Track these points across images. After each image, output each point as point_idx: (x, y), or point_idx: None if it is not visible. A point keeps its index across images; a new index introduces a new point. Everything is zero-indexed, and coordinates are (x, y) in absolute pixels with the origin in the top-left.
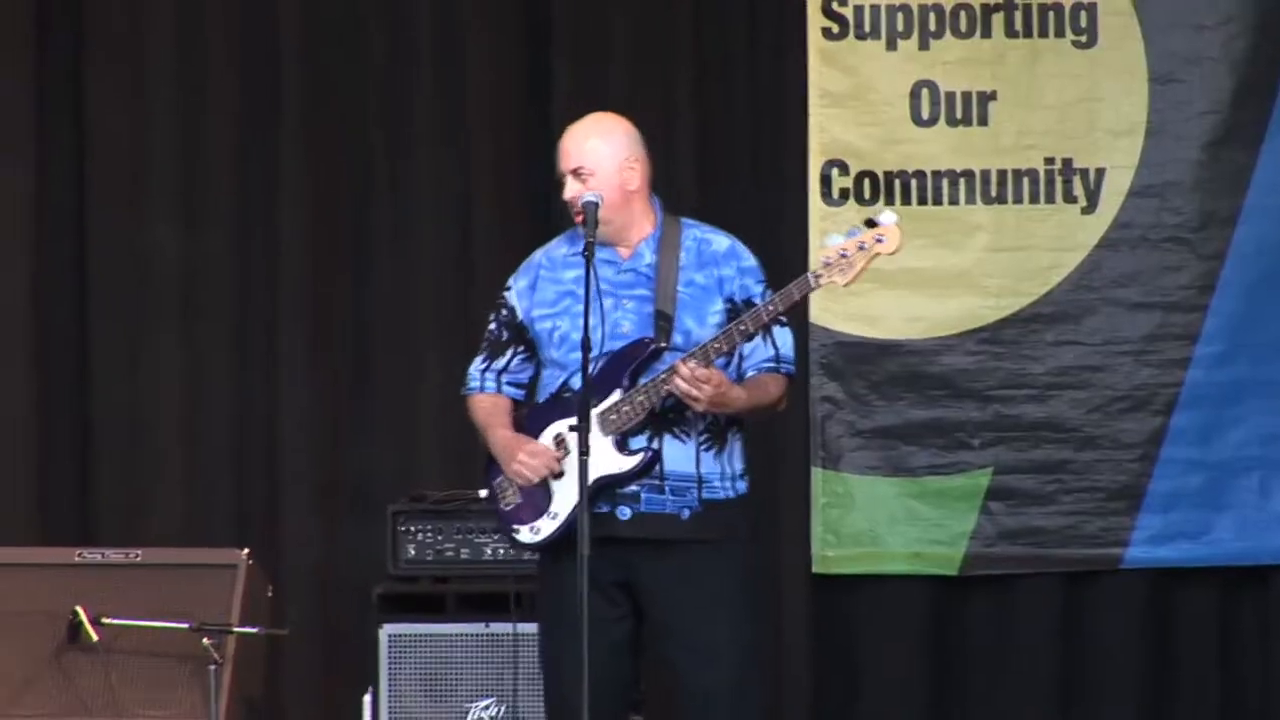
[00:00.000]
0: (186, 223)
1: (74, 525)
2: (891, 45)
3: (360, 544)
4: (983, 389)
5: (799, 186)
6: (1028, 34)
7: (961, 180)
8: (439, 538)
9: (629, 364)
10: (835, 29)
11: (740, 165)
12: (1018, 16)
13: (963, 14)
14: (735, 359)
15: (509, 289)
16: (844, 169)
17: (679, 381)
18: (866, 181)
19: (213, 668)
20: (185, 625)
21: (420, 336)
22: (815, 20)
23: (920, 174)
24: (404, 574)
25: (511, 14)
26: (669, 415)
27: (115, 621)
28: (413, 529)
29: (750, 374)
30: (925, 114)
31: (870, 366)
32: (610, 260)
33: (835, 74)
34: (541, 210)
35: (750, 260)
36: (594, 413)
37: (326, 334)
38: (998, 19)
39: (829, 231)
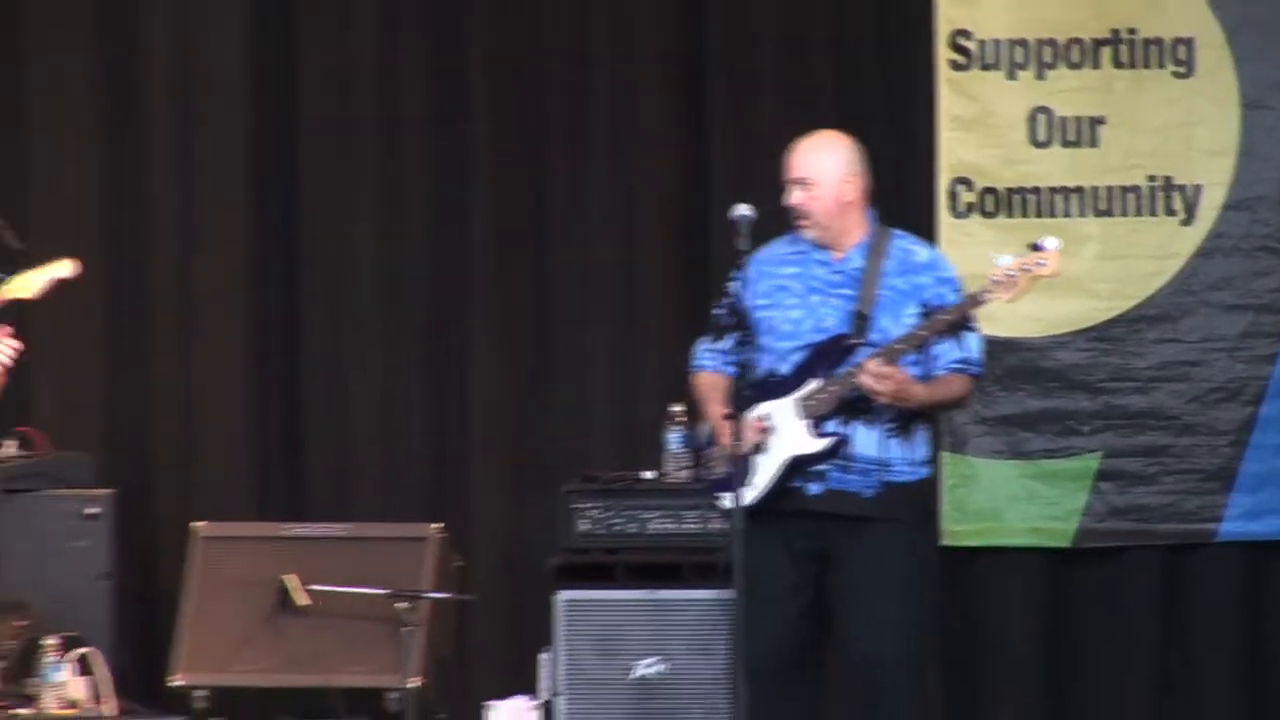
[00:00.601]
0: (386, 225)
1: (287, 502)
2: (1011, 75)
3: (539, 520)
4: (1093, 382)
5: (929, 201)
6: (1133, 65)
7: (1074, 196)
8: (608, 514)
9: (827, 356)
10: (962, 61)
11: (877, 182)
12: (1124, 50)
13: (1075, 47)
14: (927, 358)
15: (734, 279)
16: (969, 185)
17: (864, 377)
18: (989, 197)
19: (407, 630)
20: (383, 591)
21: (593, 332)
22: (944, 53)
23: (1037, 190)
24: (577, 546)
25: (675, 49)
26: (859, 404)
27: (321, 588)
28: (585, 506)
29: (939, 372)
30: (1041, 136)
31: (993, 361)
32: (824, 261)
33: (962, 101)
34: (699, 218)
35: (948, 271)
36: (793, 398)
37: (511, 330)
38: (1106, 52)
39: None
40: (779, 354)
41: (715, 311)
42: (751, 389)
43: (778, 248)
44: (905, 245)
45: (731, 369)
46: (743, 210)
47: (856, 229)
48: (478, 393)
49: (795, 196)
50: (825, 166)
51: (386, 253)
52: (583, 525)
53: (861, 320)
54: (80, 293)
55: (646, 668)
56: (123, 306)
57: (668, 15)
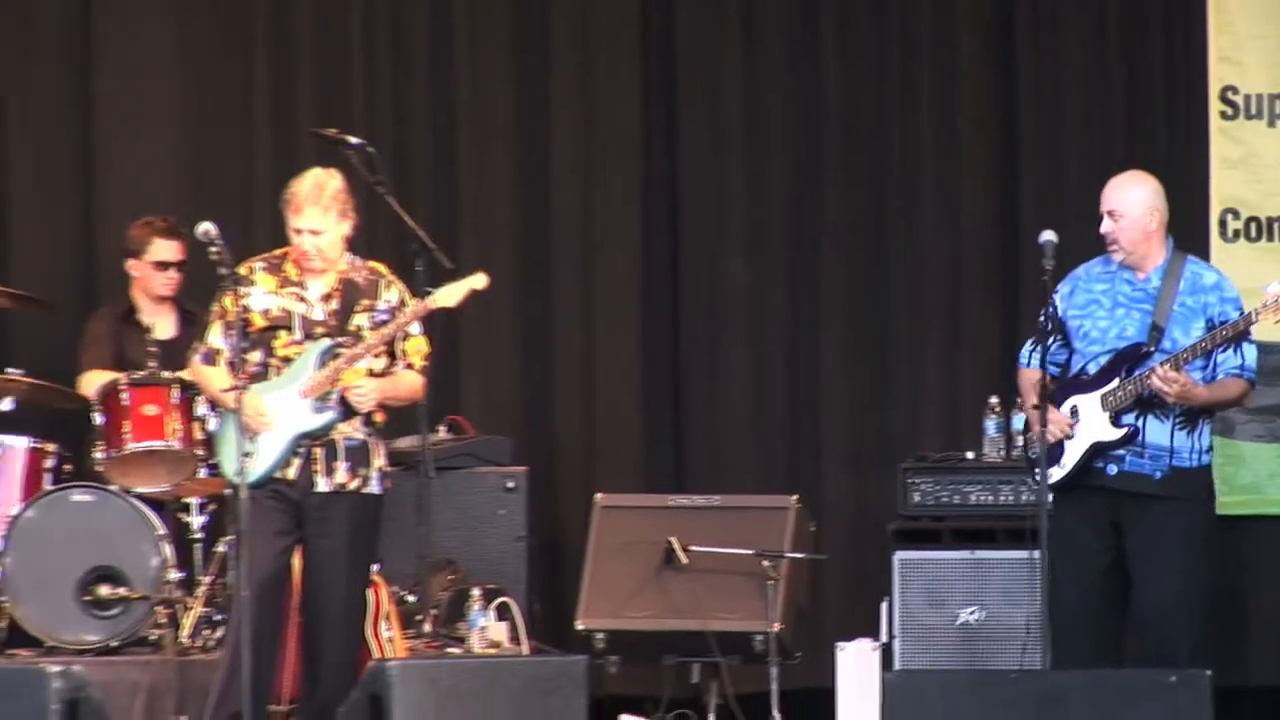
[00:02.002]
0: (752, 241)
1: (670, 477)
2: (1271, 124)
3: (879, 492)
4: None
5: (1204, 228)
6: None
7: None
8: (937, 487)
9: (1126, 360)
10: (1230, 111)
11: None
12: None
13: None
14: (1211, 364)
15: (1056, 292)
16: (1236, 215)
17: (1154, 380)
18: (1253, 224)
19: (770, 583)
20: (750, 552)
21: (925, 336)
22: (1215, 106)
23: None
24: (911, 514)
25: (992, 98)
26: (1153, 400)
27: (699, 548)
28: (917, 481)
29: (1220, 376)
30: None
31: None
32: (1130, 280)
33: (1230, 144)
34: (1012, 241)
35: (1232, 292)
36: (1097, 393)
37: (856, 334)
38: None
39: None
40: (1088, 356)
41: (1040, 319)
42: (1064, 385)
43: (1093, 266)
44: (1196, 269)
45: (1050, 367)
46: (1048, 236)
47: (1157, 253)
48: (828, 387)
49: (1106, 225)
50: (1133, 200)
51: (753, 267)
52: (915, 497)
53: (1157, 331)
54: (497, 303)
55: (968, 615)
56: (533, 315)
57: (985, 67)
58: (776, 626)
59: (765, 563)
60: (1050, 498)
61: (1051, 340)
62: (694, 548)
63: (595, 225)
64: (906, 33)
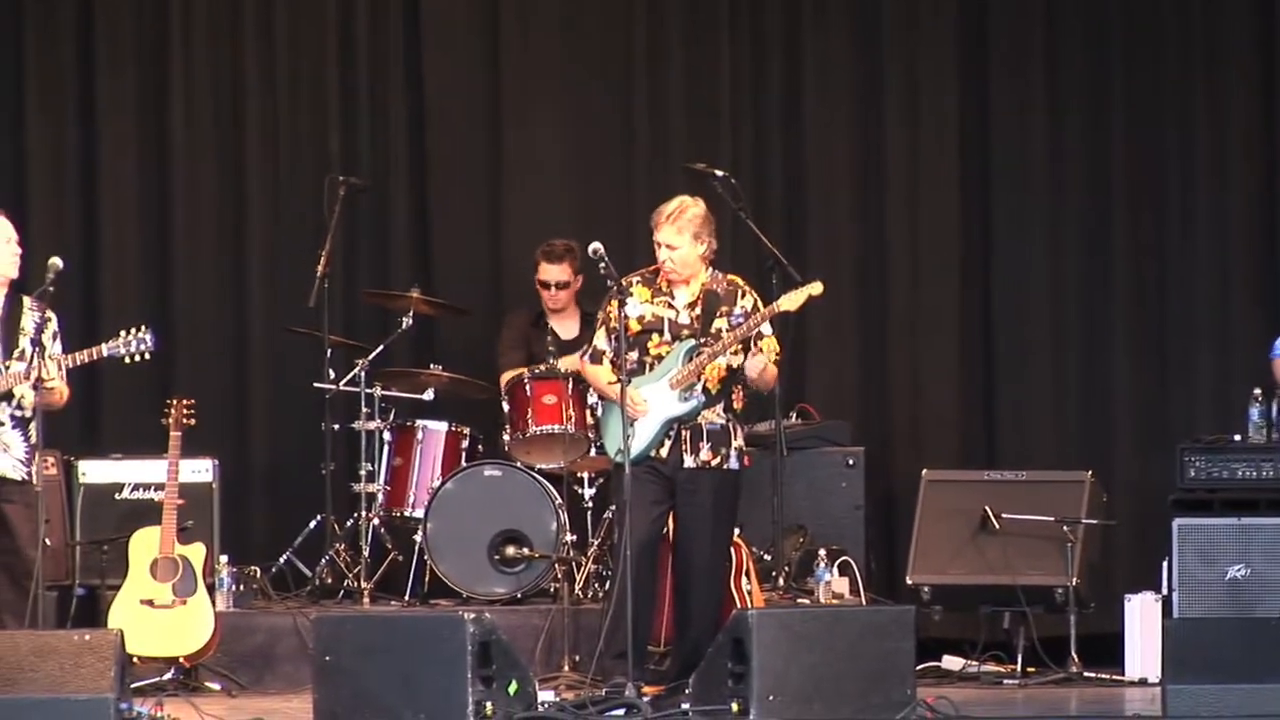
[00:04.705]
0: (1053, 269)
1: (983, 456)
2: None
3: (1160, 468)
4: None
5: None
6: None
7: None
8: (1209, 464)
9: None
10: None
11: None
12: None
13: None
14: None
15: None
16: None
17: None
18: None
19: (1069, 545)
20: (1052, 518)
21: (1199, 336)
22: None
23: None
24: (1188, 487)
25: (1253, 146)
26: None
27: (1009, 515)
28: (1193, 458)
29: None
30: None
31: None
32: None
33: None
34: (1273, 260)
35: None
36: None
37: (1140, 339)
38: None
39: None
40: None
41: None
42: None
43: None
44: None
45: None
46: None
47: None
48: (1117, 379)
49: None
50: None
51: (1052, 278)
52: (1191, 472)
53: None
54: (840, 310)
55: (1236, 572)
56: (869, 320)
57: (1253, 103)
58: (1074, 581)
59: (1065, 528)
60: None
61: None
62: (1005, 515)
63: (920, 244)
64: (1183, 100)
